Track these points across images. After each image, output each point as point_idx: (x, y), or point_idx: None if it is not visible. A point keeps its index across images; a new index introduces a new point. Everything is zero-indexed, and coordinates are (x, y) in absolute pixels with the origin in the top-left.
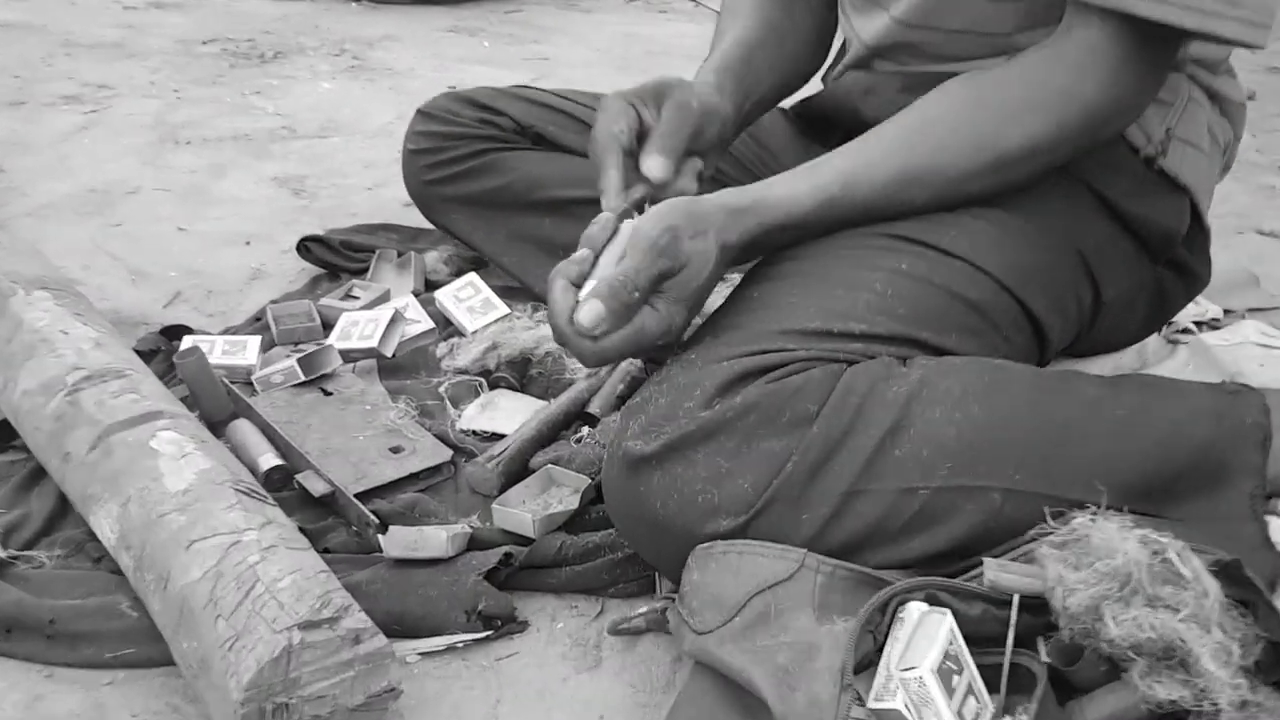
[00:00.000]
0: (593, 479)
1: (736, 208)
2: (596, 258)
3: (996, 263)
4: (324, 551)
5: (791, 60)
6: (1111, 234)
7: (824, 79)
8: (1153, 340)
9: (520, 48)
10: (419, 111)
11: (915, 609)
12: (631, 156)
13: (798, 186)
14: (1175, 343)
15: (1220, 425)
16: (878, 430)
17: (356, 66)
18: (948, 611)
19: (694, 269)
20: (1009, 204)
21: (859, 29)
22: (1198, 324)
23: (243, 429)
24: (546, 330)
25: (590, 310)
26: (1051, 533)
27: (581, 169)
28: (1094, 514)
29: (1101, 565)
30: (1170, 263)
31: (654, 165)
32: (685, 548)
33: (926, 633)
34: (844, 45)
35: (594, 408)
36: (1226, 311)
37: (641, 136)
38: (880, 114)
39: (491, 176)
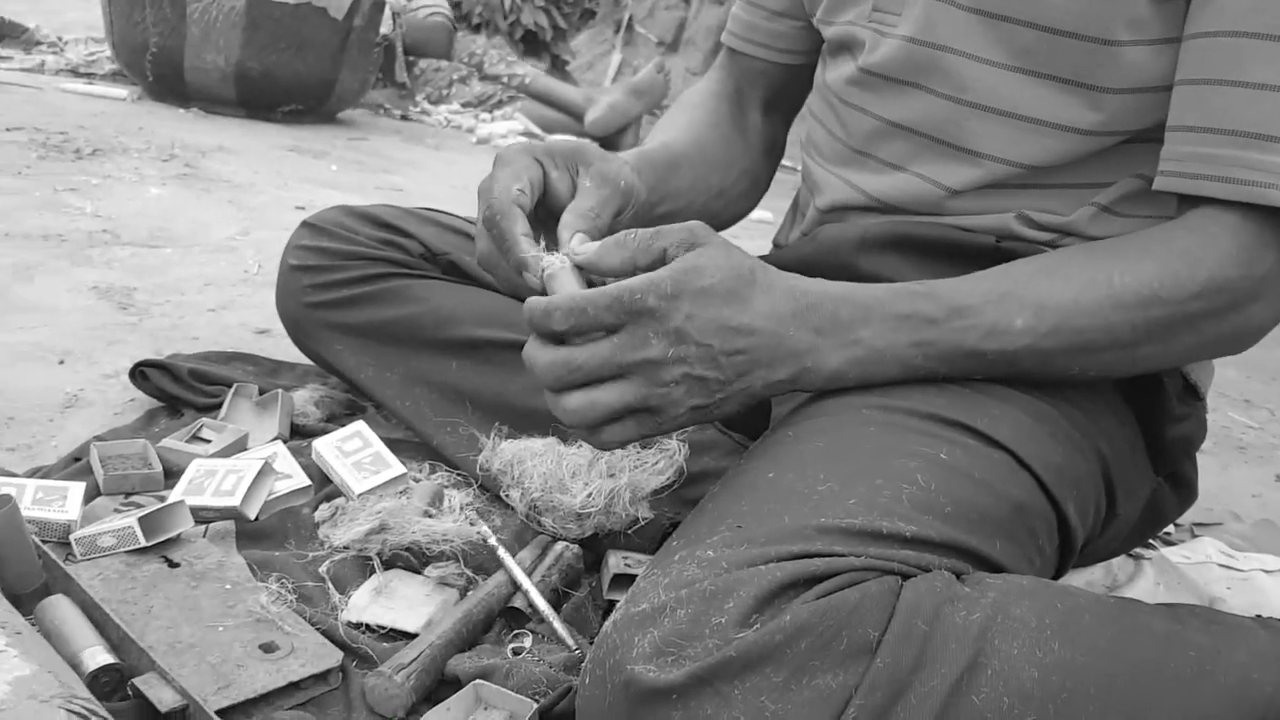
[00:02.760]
0: (538, 703)
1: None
2: None
3: (1036, 456)
4: None
5: (715, 192)
6: (1130, 439)
7: (776, 239)
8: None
9: (371, 175)
10: (306, 224)
11: None
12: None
13: (874, 285)
14: (1137, 558)
15: None
16: (951, 668)
17: (189, 174)
18: None
19: (716, 248)
20: (1040, 392)
21: (861, 184)
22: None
23: (59, 610)
24: (440, 526)
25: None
26: None
27: (500, 307)
28: None
29: None
30: (1168, 473)
31: (579, 242)
32: None
33: None
34: (795, 205)
35: (521, 603)
36: (1175, 524)
37: (547, 204)
38: (882, 268)
39: (392, 305)
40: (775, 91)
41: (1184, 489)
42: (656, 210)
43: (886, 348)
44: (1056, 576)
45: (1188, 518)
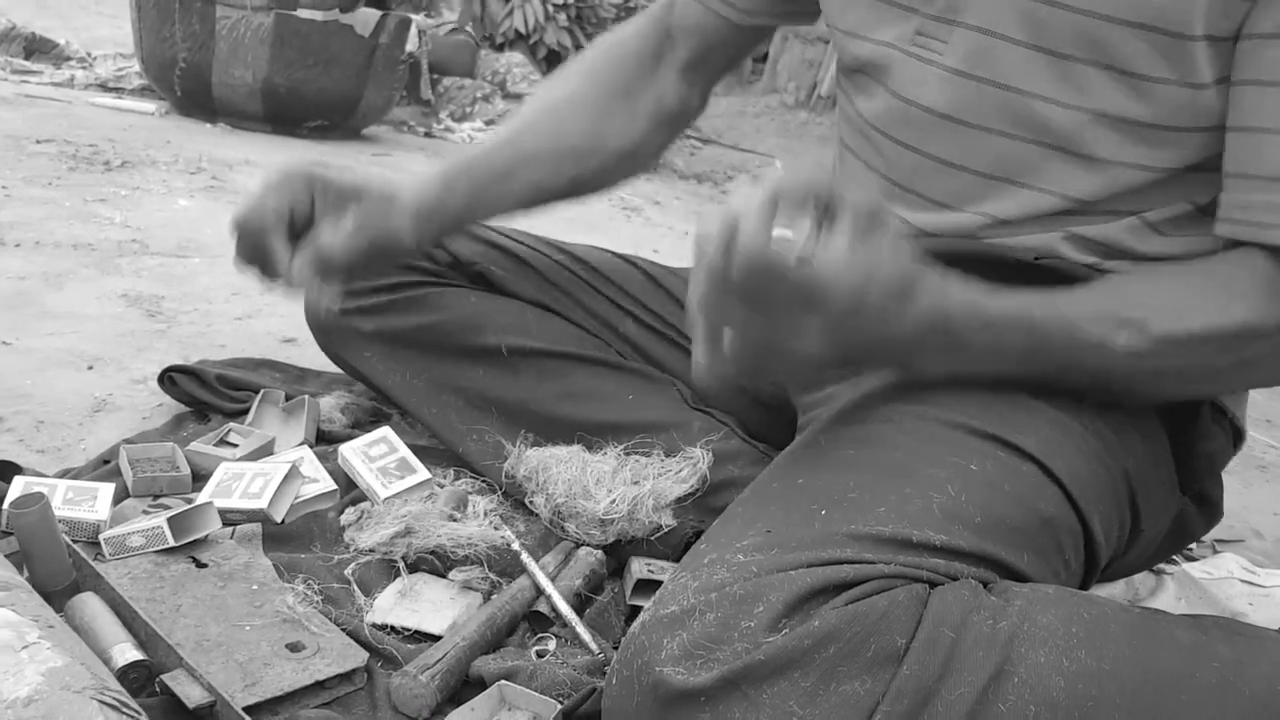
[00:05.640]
0: (562, 704)
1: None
2: None
3: (1064, 470)
4: None
5: (567, 180)
6: (1155, 456)
7: None
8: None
9: None
10: None
11: None
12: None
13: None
14: (1159, 573)
15: None
16: (978, 675)
17: (216, 187)
18: None
19: (894, 242)
20: (1067, 407)
21: (906, 216)
22: None
23: (89, 607)
24: (465, 530)
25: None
26: None
27: (528, 317)
28: None
29: None
30: (1194, 492)
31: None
32: None
33: None
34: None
35: (545, 607)
36: (1197, 541)
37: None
38: None
39: (420, 313)
40: (706, 50)
41: (1209, 507)
42: (469, 219)
43: (992, 360)
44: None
45: (1210, 534)
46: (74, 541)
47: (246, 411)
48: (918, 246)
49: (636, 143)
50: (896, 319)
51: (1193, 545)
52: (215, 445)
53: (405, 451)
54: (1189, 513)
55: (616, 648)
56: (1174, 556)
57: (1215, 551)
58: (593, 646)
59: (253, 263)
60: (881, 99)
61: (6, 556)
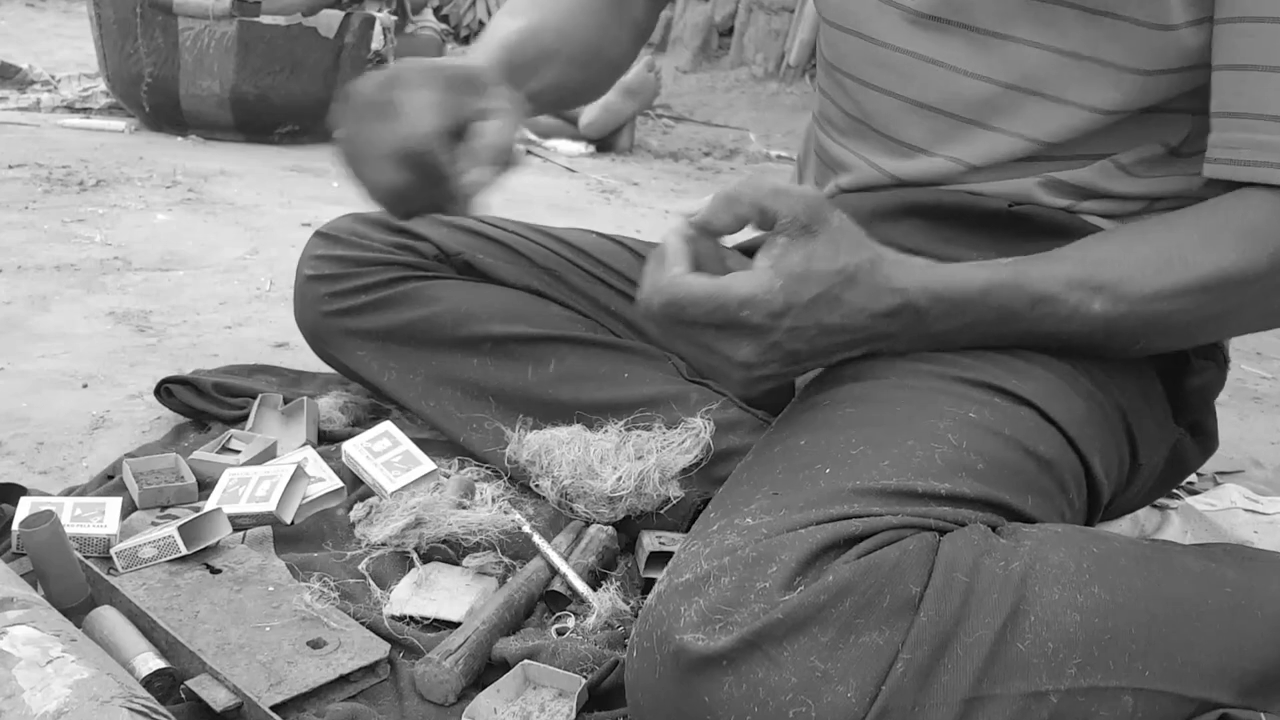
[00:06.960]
0: (586, 679)
1: (903, 256)
2: None
3: (1061, 412)
4: None
5: (574, 89)
6: (1146, 390)
7: None
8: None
9: None
10: (319, 233)
11: None
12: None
13: (964, 267)
14: (1163, 508)
15: None
16: (994, 617)
17: (193, 199)
18: None
19: (828, 244)
20: (1057, 349)
21: (885, 165)
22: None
23: (107, 620)
24: (475, 517)
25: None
26: None
27: (519, 303)
28: None
29: None
30: (1189, 423)
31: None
32: None
33: None
34: (799, 168)
35: (560, 586)
36: (1199, 474)
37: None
38: (895, 236)
39: (411, 308)
40: None
41: (1205, 438)
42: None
43: (966, 336)
44: None
45: (1210, 467)
46: (86, 557)
47: (245, 418)
48: (866, 232)
49: (623, 55)
50: (849, 309)
51: (1194, 479)
52: (218, 453)
53: (408, 444)
54: (1185, 444)
55: (637, 617)
56: (1176, 491)
57: (1217, 484)
58: (611, 620)
59: (408, 195)
60: (851, 41)
61: (21, 577)
